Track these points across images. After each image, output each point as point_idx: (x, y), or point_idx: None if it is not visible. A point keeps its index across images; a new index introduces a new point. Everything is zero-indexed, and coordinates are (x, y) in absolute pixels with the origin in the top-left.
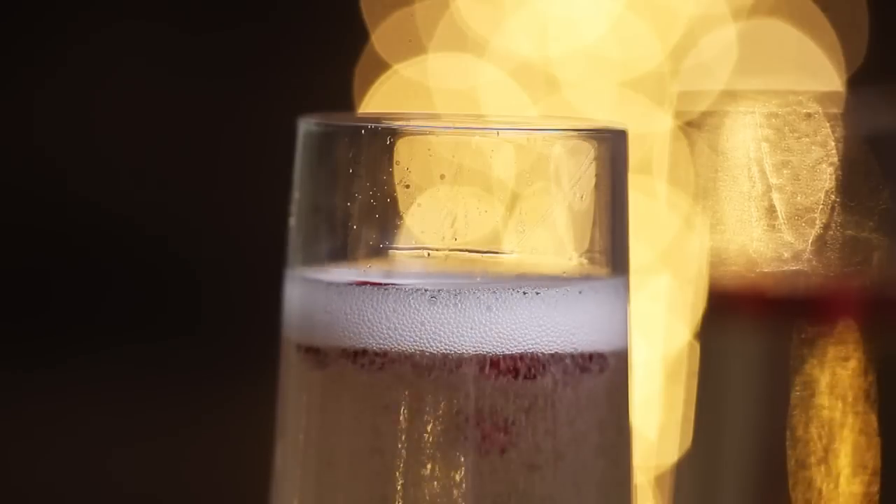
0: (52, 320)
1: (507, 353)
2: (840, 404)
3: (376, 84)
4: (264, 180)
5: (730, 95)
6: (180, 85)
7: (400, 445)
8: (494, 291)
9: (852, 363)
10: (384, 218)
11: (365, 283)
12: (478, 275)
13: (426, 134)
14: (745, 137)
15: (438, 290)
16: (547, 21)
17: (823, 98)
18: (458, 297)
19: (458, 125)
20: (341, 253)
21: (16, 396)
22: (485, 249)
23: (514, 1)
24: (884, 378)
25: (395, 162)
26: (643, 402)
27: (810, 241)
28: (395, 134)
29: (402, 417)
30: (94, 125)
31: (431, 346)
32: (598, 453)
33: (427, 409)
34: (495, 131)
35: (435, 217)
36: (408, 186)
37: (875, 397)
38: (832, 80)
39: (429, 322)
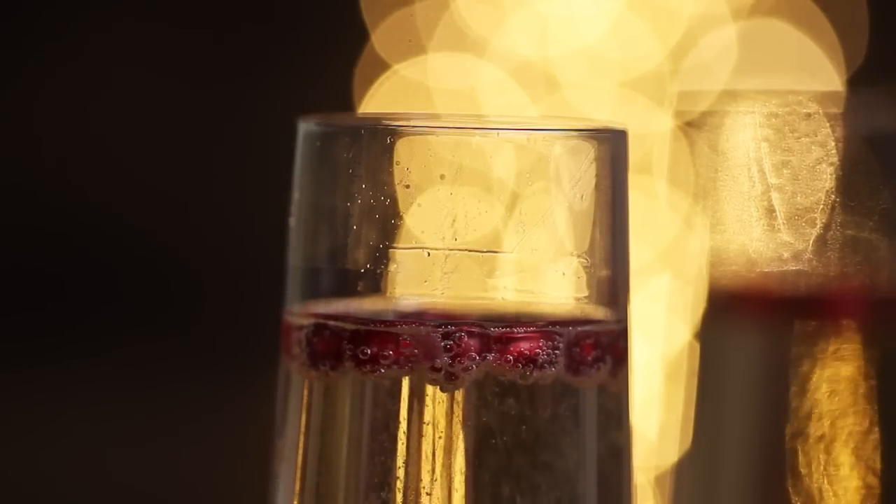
0: (52, 320)
1: (506, 355)
2: (840, 404)
3: (376, 84)
4: (264, 180)
5: (730, 95)
6: (181, 85)
7: (400, 449)
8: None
9: (852, 363)
10: (384, 218)
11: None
12: (477, 316)
13: (426, 134)
14: (745, 137)
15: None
16: (547, 21)
17: (823, 98)
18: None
19: (458, 125)
20: (341, 253)
21: (16, 396)
22: (485, 249)
23: (514, 1)
24: (884, 378)
25: (395, 162)
26: (643, 402)
27: (810, 241)
28: (395, 134)
29: (402, 420)
30: (95, 125)
31: (429, 356)
32: (599, 454)
33: (427, 410)
34: (495, 131)
35: (435, 217)
36: (408, 186)
37: (875, 397)
38: (832, 80)
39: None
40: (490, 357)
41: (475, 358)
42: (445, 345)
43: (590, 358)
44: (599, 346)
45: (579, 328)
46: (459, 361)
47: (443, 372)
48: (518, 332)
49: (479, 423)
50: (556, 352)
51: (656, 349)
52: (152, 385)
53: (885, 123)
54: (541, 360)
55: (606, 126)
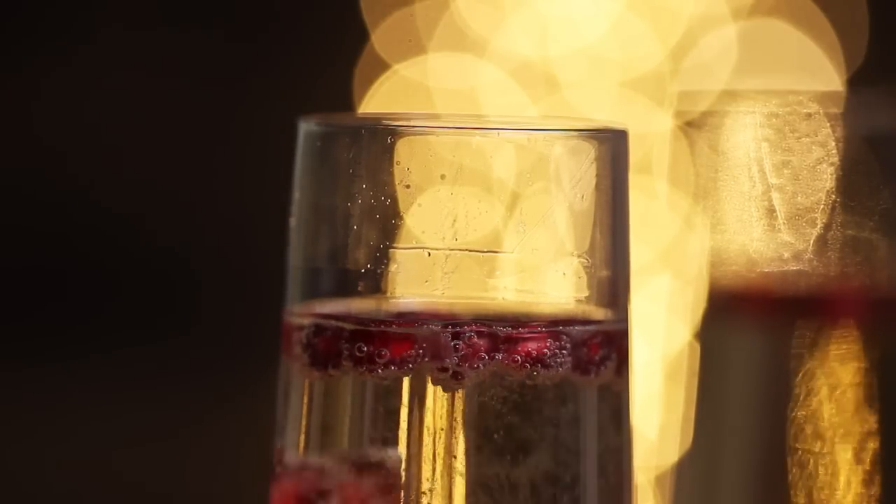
0: (52, 320)
1: (514, 356)
2: (840, 404)
3: (376, 84)
4: (264, 180)
5: (730, 95)
6: (181, 85)
7: (405, 449)
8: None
9: (852, 363)
10: (384, 218)
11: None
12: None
13: (426, 134)
14: (746, 137)
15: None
16: (547, 21)
17: (823, 98)
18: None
19: (458, 125)
20: (342, 253)
21: (17, 396)
22: (485, 249)
23: (514, 1)
24: (884, 378)
25: (395, 162)
26: (643, 402)
27: (810, 241)
28: (395, 134)
29: (407, 420)
30: (95, 126)
31: (436, 355)
32: (602, 453)
33: (426, 411)
34: (496, 131)
35: (435, 217)
36: (408, 186)
37: (875, 397)
38: (832, 80)
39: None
40: (498, 357)
41: (484, 358)
42: (455, 345)
43: (596, 357)
44: (605, 345)
45: (585, 328)
46: (468, 361)
47: (450, 372)
48: (526, 333)
49: (483, 423)
50: (564, 351)
51: (656, 349)
52: (152, 385)
53: (885, 123)
54: (548, 360)
55: (606, 126)
